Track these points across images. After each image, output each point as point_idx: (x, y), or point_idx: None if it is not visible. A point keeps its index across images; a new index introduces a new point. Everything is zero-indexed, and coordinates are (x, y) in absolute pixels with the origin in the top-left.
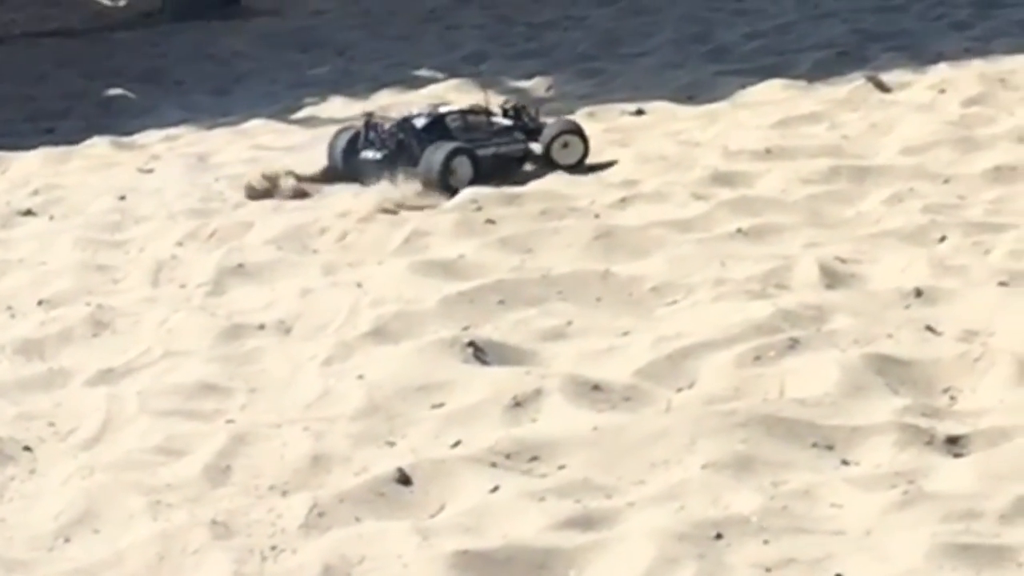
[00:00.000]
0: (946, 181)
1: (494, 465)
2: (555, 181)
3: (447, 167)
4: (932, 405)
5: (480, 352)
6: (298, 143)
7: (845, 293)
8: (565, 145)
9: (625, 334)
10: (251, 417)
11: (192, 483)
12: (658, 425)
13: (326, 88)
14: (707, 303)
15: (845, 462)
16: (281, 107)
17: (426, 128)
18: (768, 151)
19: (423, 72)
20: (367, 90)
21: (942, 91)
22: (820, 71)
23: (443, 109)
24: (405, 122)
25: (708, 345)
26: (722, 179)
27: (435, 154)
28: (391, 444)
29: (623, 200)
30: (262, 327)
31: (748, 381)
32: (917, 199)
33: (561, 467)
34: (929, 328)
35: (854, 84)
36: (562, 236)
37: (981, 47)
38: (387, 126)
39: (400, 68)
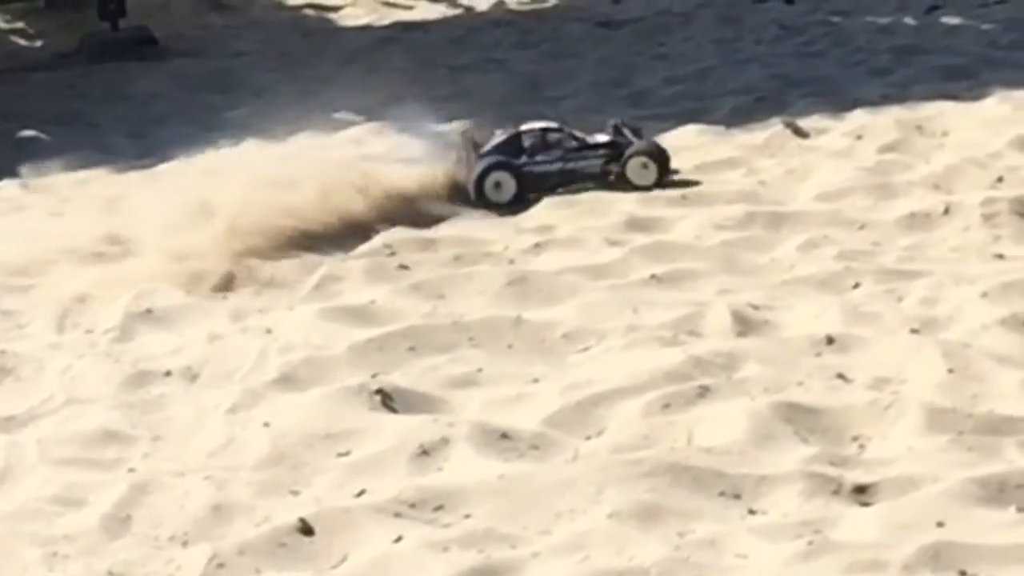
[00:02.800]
0: (861, 227)
1: (398, 515)
2: (470, 226)
3: (482, 181)
4: (841, 454)
5: (388, 399)
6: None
7: (757, 340)
8: (644, 166)
9: (535, 381)
10: (153, 466)
11: (89, 534)
12: (565, 474)
13: (242, 130)
14: (618, 350)
15: (752, 511)
16: (196, 149)
17: (499, 144)
18: (684, 197)
19: (342, 115)
20: (284, 132)
21: (859, 137)
22: (738, 116)
23: (528, 126)
24: (468, 138)
25: (618, 393)
26: (637, 225)
27: (474, 169)
28: (295, 493)
29: (537, 245)
30: (168, 374)
31: (657, 429)
32: (832, 246)
33: (466, 516)
34: (840, 376)
35: (772, 130)
36: (475, 282)
37: (899, 93)
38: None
39: (319, 110)
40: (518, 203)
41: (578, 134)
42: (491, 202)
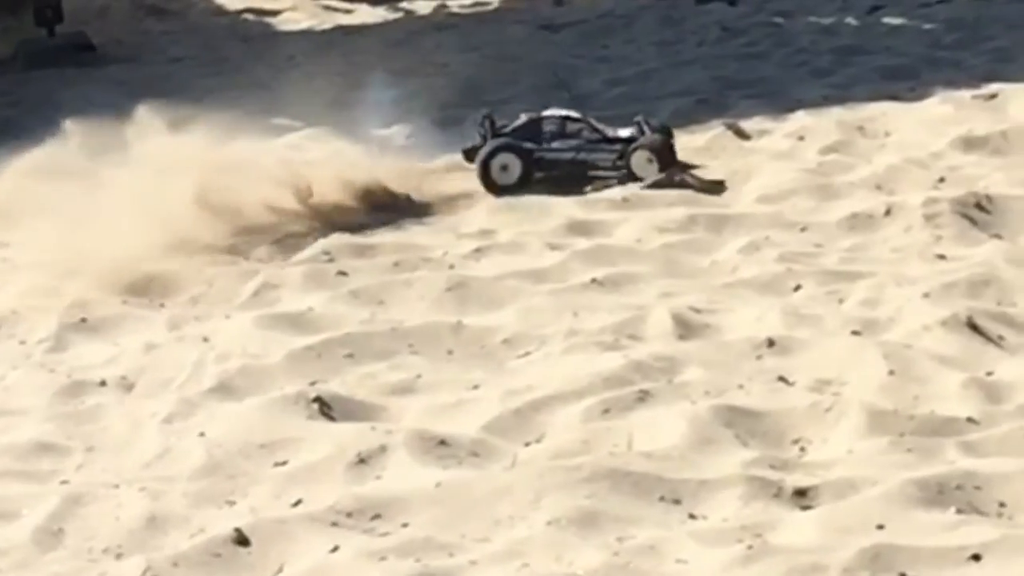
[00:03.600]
0: (803, 229)
1: (335, 524)
2: (410, 231)
3: (488, 163)
4: (781, 457)
5: (326, 408)
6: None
7: (698, 344)
8: (648, 160)
9: (475, 388)
10: (87, 477)
11: (21, 547)
12: (503, 481)
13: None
14: (559, 355)
15: (692, 516)
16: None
17: (518, 128)
18: (625, 200)
19: (280, 120)
20: (222, 139)
21: (801, 138)
22: (680, 118)
23: (551, 112)
24: (487, 120)
25: (558, 398)
26: (578, 228)
27: (482, 151)
28: (231, 504)
29: (478, 250)
30: (103, 384)
31: (597, 435)
32: (773, 248)
33: (404, 525)
34: (781, 378)
35: (713, 132)
36: (415, 288)
37: (841, 94)
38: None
39: (257, 116)
40: (524, 186)
41: (600, 127)
42: (497, 184)
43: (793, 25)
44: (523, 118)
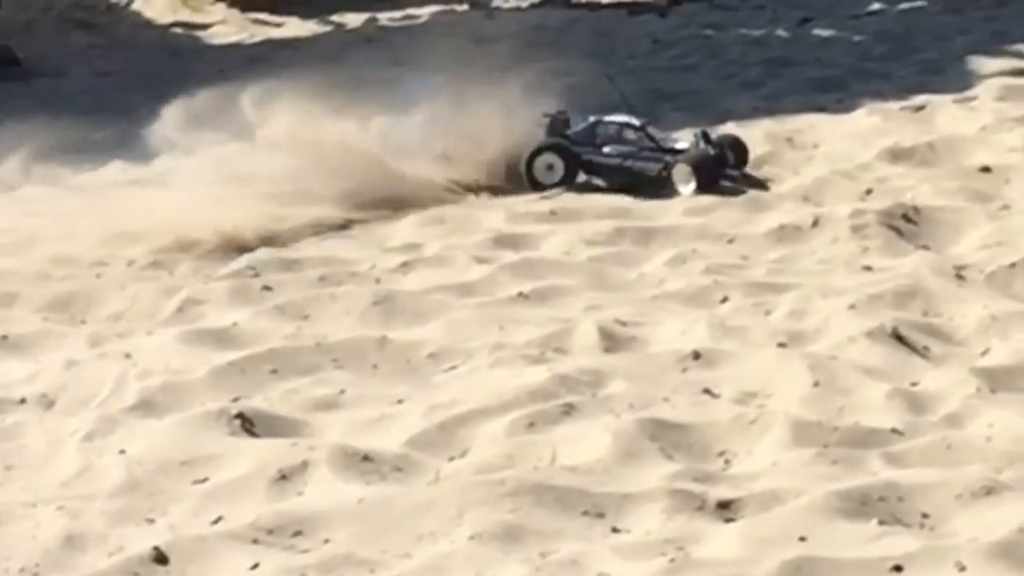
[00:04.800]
0: (730, 241)
1: (255, 541)
2: (336, 245)
3: (532, 162)
4: (705, 469)
5: (248, 424)
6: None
7: (624, 357)
8: (689, 175)
9: (399, 402)
10: (4, 496)
11: None
12: (426, 496)
13: (107, 152)
14: (484, 369)
15: (615, 530)
16: (58, 172)
17: (578, 132)
18: (553, 212)
19: (209, 135)
20: (149, 154)
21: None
22: None
23: (611, 117)
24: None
25: (482, 412)
26: (505, 242)
27: (529, 149)
28: (150, 522)
29: (404, 264)
30: (23, 401)
31: (521, 449)
32: (700, 260)
33: (325, 542)
34: (706, 391)
35: None
36: (340, 302)
37: (770, 106)
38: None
39: (184, 131)
40: (567, 184)
41: (657, 136)
42: (539, 183)
43: (723, 37)
44: (582, 122)
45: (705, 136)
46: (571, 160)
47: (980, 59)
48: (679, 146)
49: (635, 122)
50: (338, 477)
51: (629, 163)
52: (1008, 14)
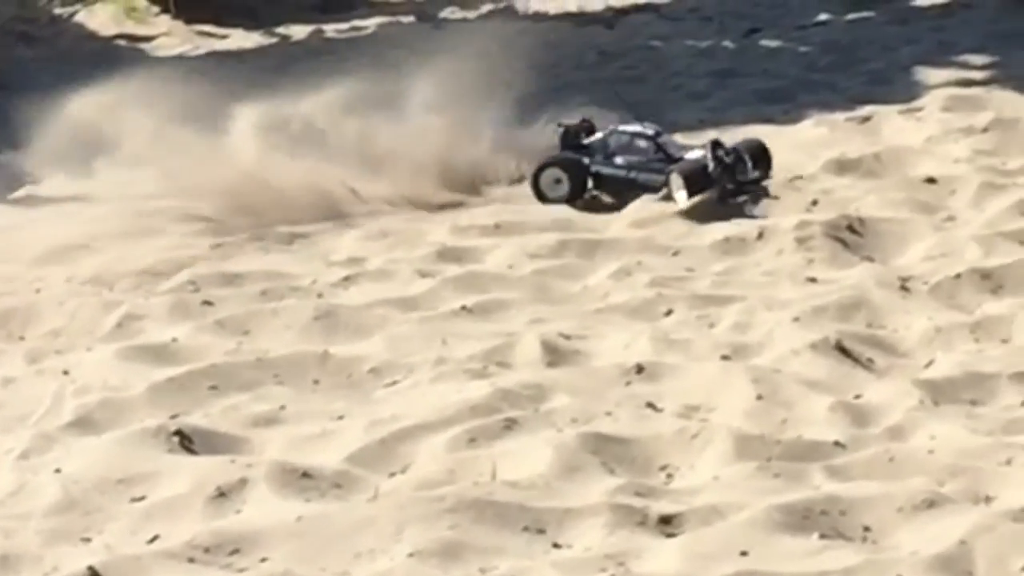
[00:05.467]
0: (675, 253)
1: (192, 560)
2: (278, 260)
3: (538, 176)
4: (647, 484)
5: (187, 441)
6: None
7: (567, 371)
8: (679, 187)
9: (340, 418)
10: None
11: None
12: (365, 513)
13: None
14: (426, 384)
15: (556, 545)
16: None
17: (594, 141)
18: (497, 226)
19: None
20: (91, 169)
21: None
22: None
23: (624, 127)
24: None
25: (424, 428)
26: (449, 255)
27: (536, 163)
28: (86, 541)
29: (347, 279)
30: None
31: (462, 464)
32: (645, 272)
33: (263, 560)
34: (649, 405)
35: None
36: (281, 317)
37: (716, 117)
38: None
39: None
40: (575, 199)
41: (668, 146)
42: (547, 197)
43: (670, 48)
44: (600, 132)
45: (716, 145)
46: (577, 174)
47: (926, 70)
48: (688, 156)
49: (648, 131)
50: (277, 494)
51: (634, 174)
52: (954, 24)
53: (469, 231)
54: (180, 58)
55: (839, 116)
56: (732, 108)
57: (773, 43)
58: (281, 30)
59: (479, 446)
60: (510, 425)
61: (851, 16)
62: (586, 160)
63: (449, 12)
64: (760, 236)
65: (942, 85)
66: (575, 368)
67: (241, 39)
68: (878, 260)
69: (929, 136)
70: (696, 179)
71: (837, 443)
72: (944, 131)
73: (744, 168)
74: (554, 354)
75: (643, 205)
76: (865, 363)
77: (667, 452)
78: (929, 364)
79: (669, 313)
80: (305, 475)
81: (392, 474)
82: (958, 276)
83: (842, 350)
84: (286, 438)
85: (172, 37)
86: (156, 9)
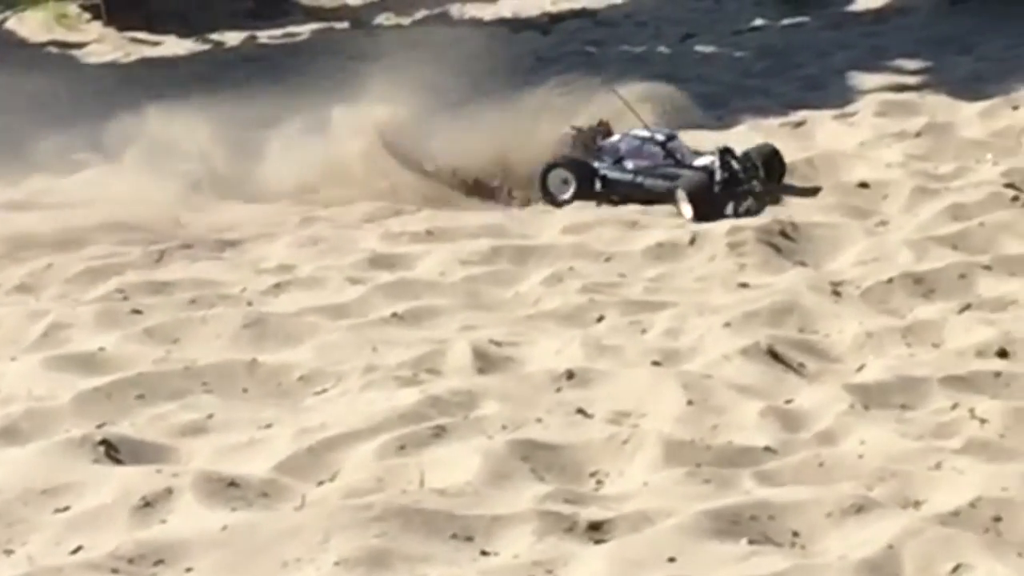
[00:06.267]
0: (607, 259)
1: (115, 571)
2: (208, 267)
3: (545, 177)
4: (577, 490)
5: (113, 450)
6: None
7: (497, 377)
8: (684, 201)
9: (268, 426)
10: None
11: None
12: (292, 522)
13: None
14: (356, 392)
15: (484, 552)
16: None
17: (608, 144)
18: (429, 232)
19: (81, 156)
20: (19, 175)
21: None
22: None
23: (636, 131)
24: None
25: (353, 435)
26: (380, 262)
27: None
28: (8, 552)
29: (277, 286)
30: None
31: (391, 472)
32: (577, 279)
33: (187, 570)
34: (580, 411)
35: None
36: (210, 325)
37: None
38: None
39: (56, 152)
40: (580, 199)
41: (678, 152)
42: (554, 197)
43: (605, 54)
44: (615, 137)
45: (726, 152)
46: (584, 175)
47: (860, 75)
48: (699, 163)
49: (659, 136)
50: (202, 504)
51: (640, 179)
52: (888, 30)
53: (401, 238)
54: (111, 65)
55: (773, 121)
56: (666, 113)
57: (708, 48)
58: (214, 36)
59: (408, 454)
60: (439, 433)
61: (786, 22)
62: (595, 163)
63: (384, 18)
64: (693, 242)
65: (876, 90)
66: (506, 375)
67: (173, 46)
68: (810, 265)
69: (862, 141)
70: (701, 195)
71: (767, 448)
72: (877, 136)
73: (756, 174)
74: (485, 361)
75: (576, 211)
76: (796, 368)
77: (597, 458)
78: (860, 369)
79: (601, 319)
80: (232, 484)
81: (320, 482)
82: (890, 281)
83: (773, 355)
84: (213, 447)
85: (103, 44)
86: (87, 16)
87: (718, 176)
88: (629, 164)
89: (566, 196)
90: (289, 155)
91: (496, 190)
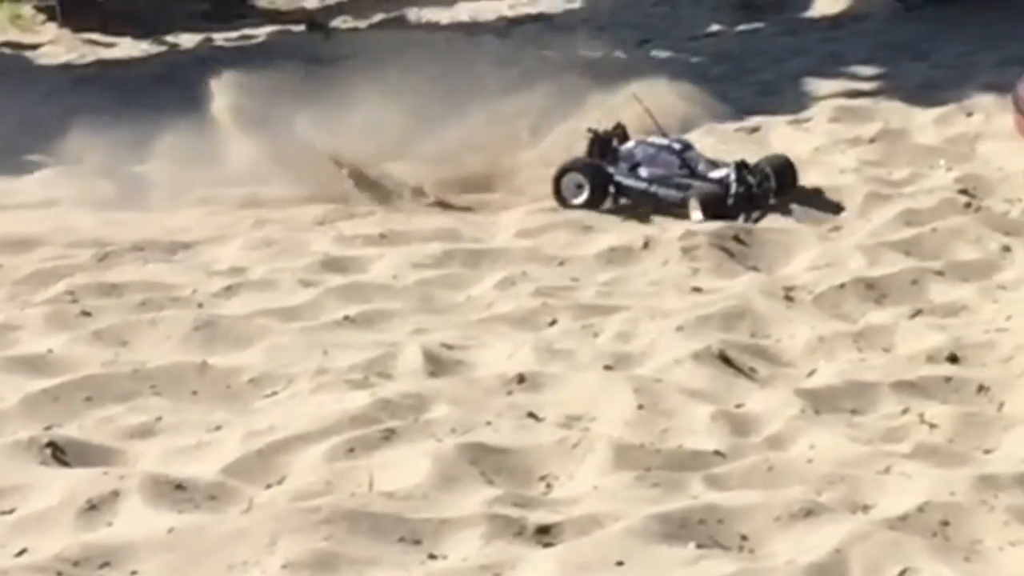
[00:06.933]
0: (561, 263)
1: (60, 574)
2: (159, 270)
3: (560, 180)
4: (526, 494)
5: (60, 453)
6: None
7: (448, 381)
8: (696, 209)
9: (217, 429)
10: None
11: None
12: (239, 525)
13: None
14: (306, 394)
15: (432, 556)
16: None
17: (624, 150)
18: (383, 236)
19: (35, 157)
20: None
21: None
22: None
23: (653, 139)
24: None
25: (302, 438)
26: (333, 265)
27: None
28: None
29: (228, 288)
30: None
31: (340, 475)
32: (530, 282)
33: (133, 573)
34: (531, 415)
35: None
36: (160, 328)
37: None
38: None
39: (8, 153)
40: (594, 207)
41: (693, 162)
42: (568, 202)
43: (562, 59)
44: (632, 141)
45: (742, 166)
46: (598, 180)
47: (815, 80)
48: (714, 175)
49: (675, 145)
50: (149, 506)
51: (655, 188)
52: (844, 35)
53: (354, 241)
54: (66, 67)
55: (729, 126)
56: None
57: (664, 54)
58: (170, 38)
59: (357, 457)
60: (389, 436)
61: (742, 27)
62: (610, 168)
63: (340, 21)
64: (646, 246)
65: (830, 96)
66: (457, 378)
67: (129, 47)
68: (763, 270)
69: (817, 147)
70: (714, 208)
71: (717, 452)
72: (832, 141)
73: (769, 186)
74: (436, 364)
75: (529, 215)
76: (747, 372)
77: (547, 462)
78: (811, 373)
79: (553, 323)
80: (179, 487)
81: (269, 485)
82: (842, 286)
83: (725, 359)
84: (161, 449)
85: (58, 45)
86: (42, 17)
87: (733, 190)
88: (644, 172)
89: (579, 200)
90: (241, 156)
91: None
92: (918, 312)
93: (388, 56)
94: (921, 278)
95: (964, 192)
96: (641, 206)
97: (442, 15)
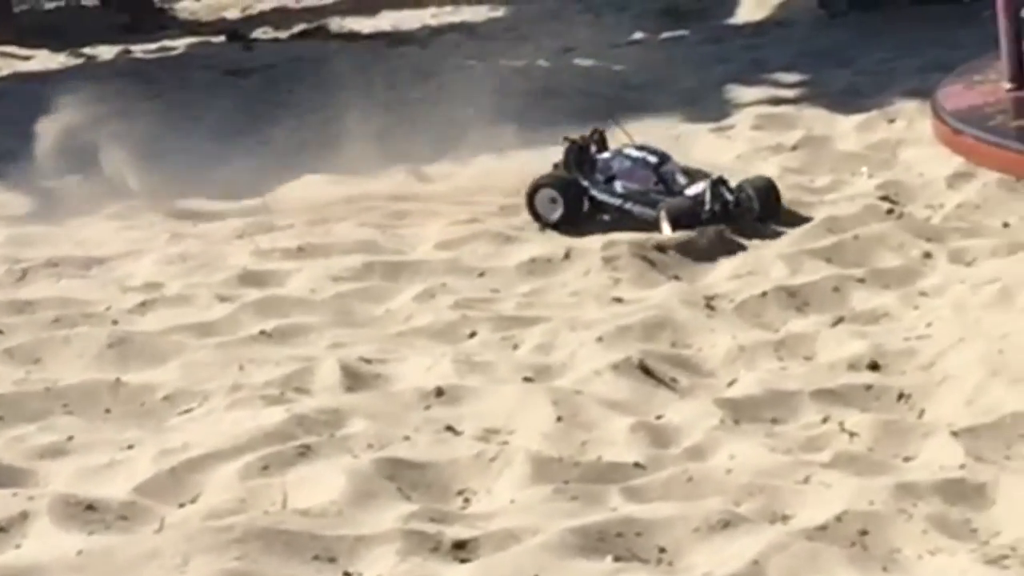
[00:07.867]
0: (481, 275)
1: None
2: (73, 286)
3: (533, 196)
4: (443, 509)
5: None
6: None
7: (366, 395)
8: (666, 224)
9: (130, 447)
10: None
11: None
12: (150, 545)
13: None
14: (221, 411)
15: (347, 574)
16: None
17: (601, 161)
18: (301, 248)
19: None
20: None
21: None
22: (364, 162)
23: (628, 150)
24: (572, 148)
25: (216, 456)
26: (250, 279)
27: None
28: None
29: (143, 304)
30: None
31: (253, 493)
32: (449, 294)
33: None
34: (449, 428)
35: (397, 177)
36: (73, 345)
37: (530, 136)
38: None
39: None
40: (571, 223)
41: (670, 177)
42: (543, 218)
43: (485, 68)
44: (607, 153)
45: (718, 183)
46: (572, 195)
47: (738, 88)
48: (690, 192)
49: (651, 159)
50: (59, 527)
51: (629, 205)
52: (767, 42)
53: (271, 254)
54: None
55: (652, 134)
56: (545, 127)
57: (587, 62)
58: (87, 51)
59: (272, 474)
60: (304, 452)
61: (665, 35)
62: (585, 182)
63: (261, 32)
64: (567, 256)
65: (753, 103)
66: (374, 392)
67: (45, 60)
68: (685, 279)
69: (739, 154)
70: (682, 219)
71: (636, 464)
72: (754, 149)
73: (750, 206)
74: (353, 378)
75: (450, 226)
76: (668, 383)
77: (465, 476)
78: (732, 383)
79: (473, 335)
80: (90, 507)
81: (181, 504)
82: (764, 294)
83: (645, 370)
84: (73, 469)
85: None
86: None
87: (707, 206)
88: (619, 186)
89: (555, 217)
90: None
91: None
92: (839, 320)
93: (306, 67)
94: (843, 285)
95: (886, 199)
96: (622, 221)
97: (364, 24)
